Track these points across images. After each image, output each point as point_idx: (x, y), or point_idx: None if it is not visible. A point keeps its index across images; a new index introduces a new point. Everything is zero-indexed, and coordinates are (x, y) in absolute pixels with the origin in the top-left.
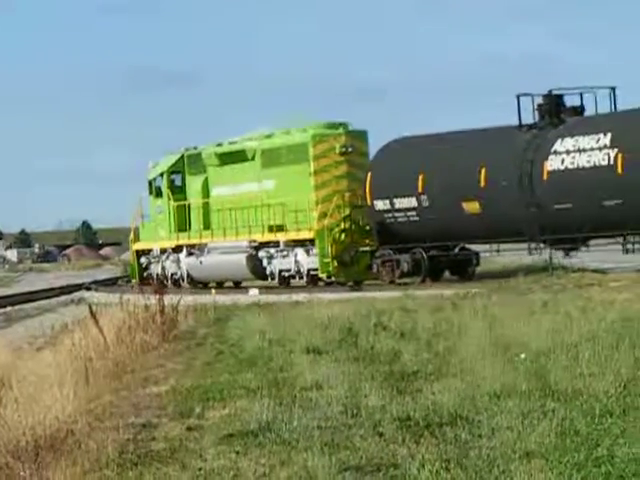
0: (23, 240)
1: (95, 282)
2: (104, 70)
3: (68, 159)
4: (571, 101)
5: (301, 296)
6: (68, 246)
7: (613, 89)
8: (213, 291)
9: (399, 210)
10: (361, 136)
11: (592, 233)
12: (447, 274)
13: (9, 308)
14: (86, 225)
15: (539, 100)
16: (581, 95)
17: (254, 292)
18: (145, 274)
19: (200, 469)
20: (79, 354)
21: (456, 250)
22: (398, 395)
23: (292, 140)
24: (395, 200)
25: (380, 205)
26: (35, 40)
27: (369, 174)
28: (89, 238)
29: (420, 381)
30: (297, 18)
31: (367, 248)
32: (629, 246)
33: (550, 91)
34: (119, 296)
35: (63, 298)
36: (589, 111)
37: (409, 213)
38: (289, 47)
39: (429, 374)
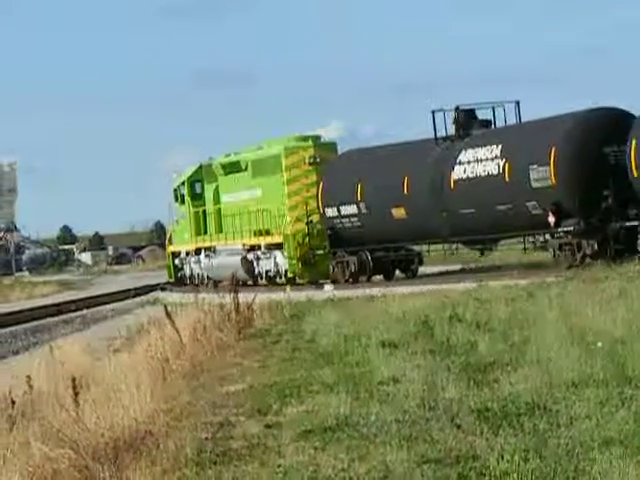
0: (97, 243)
1: (169, 282)
2: (167, 72)
3: (138, 160)
4: (484, 114)
5: (375, 291)
6: (142, 247)
7: (517, 103)
8: (288, 288)
9: (344, 217)
10: (330, 147)
11: (492, 235)
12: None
13: (86, 311)
14: (159, 226)
15: (454, 114)
16: (493, 109)
17: (329, 288)
18: (179, 274)
19: (279, 466)
20: (155, 354)
21: (402, 251)
22: (475, 386)
23: (270, 152)
24: (341, 207)
25: (330, 212)
26: (94, 43)
27: (321, 184)
28: (162, 239)
29: (497, 372)
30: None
31: (321, 251)
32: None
33: (457, 107)
34: (194, 295)
35: (138, 299)
36: (500, 123)
37: (352, 219)
38: (344, 44)
39: (506, 364)
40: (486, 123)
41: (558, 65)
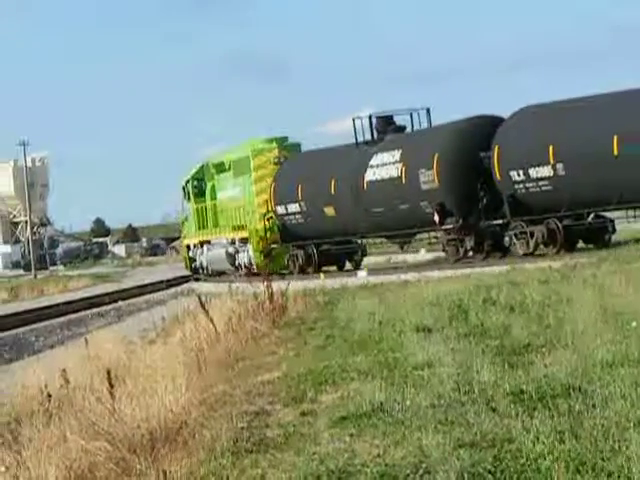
0: (130, 235)
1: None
2: (200, 60)
3: (172, 151)
4: (403, 120)
5: (409, 275)
6: (175, 238)
7: (428, 109)
8: (322, 275)
9: (291, 214)
10: (294, 148)
11: (399, 231)
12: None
13: (120, 303)
14: None
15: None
16: (411, 115)
17: (362, 274)
18: (193, 265)
19: (314, 453)
20: (190, 345)
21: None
22: (510, 369)
23: (243, 153)
24: (288, 206)
25: (280, 210)
26: (125, 33)
27: (273, 184)
28: None
29: (531, 354)
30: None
31: (275, 245)
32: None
33: (370, 115)
34: (227, 285)
35: (172, 290)
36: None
37: (297, 216)
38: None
39: (540, 347)
40: (400, 129)
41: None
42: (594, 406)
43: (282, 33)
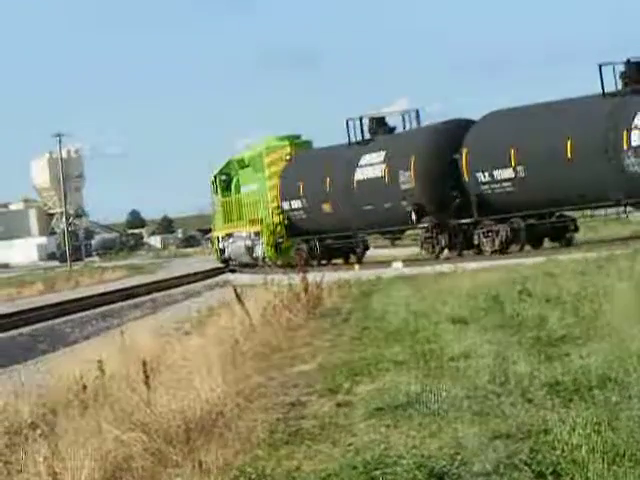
0: (166, 226)
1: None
2: (233, 53)
3: (207, 142)
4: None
5: (445, 267)
6: (211, 229)
7: (417, 111)
8: (356, 266)
9: (294, 210)
10: (305, 145)
11: (387, 228)
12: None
13: (156, 294)
14: None
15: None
16: (402, 116)
17: (398, 265)
18: (223, 257)
19: (350, 444)
20: (226, 337)
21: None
22: (546, 361)
23: (258, 151)
24: (292, 202)
25: (285, 205)
26: (161, 30)
27: (279, 181)
28: None
29: (567, 345)
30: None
31: (281, 239)
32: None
33: (361, 117)
34: (263, 277)
35: (208, 281)
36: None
37: (299, 212)
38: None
39: (576, 338)
40: (391, 130)
41: None
42: (630, 397)
43: (313, 25)
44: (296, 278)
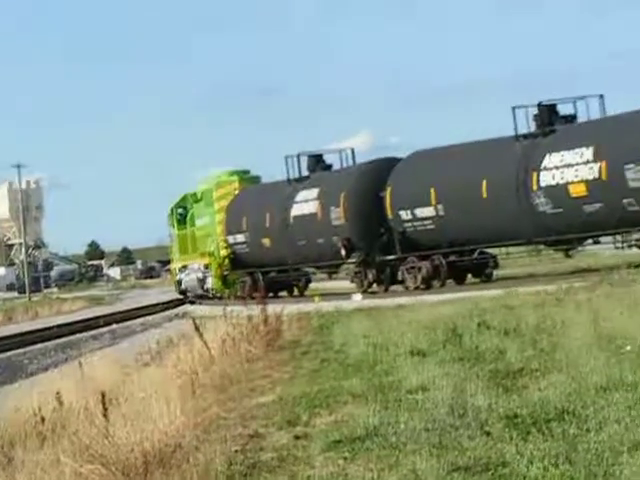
0: (125, 257)
1: (196, 296)
2: (192, 85)
3: (165, 174)
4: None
5: (404, 299)
6: (170, 261)
7: (352, 150)
8: (316, 299)
9: (238, 243)
10: (254, 180)
11: (319, 263)
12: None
13: (115, 325)
14: None
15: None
16: (340, 153)
17: (357, 298)
18: (180, 288)
19: (308, 477)
20: (185, 368)
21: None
22: (504, 393)
23: (209, 185)
24: (236, 236)
25: (230, 239)
26: (120, 56)
27: (225, 216)
28: None
29: (526, 378)
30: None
31: (226, 272)
32: None
33: (299, 154)
34: (222, 308)
35: (167, 313)
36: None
37: (242, 246)
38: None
39: (534, 370)
40: (327, 167)
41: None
42: (588, 430)
43: (277, 59)
44: (256, 310)
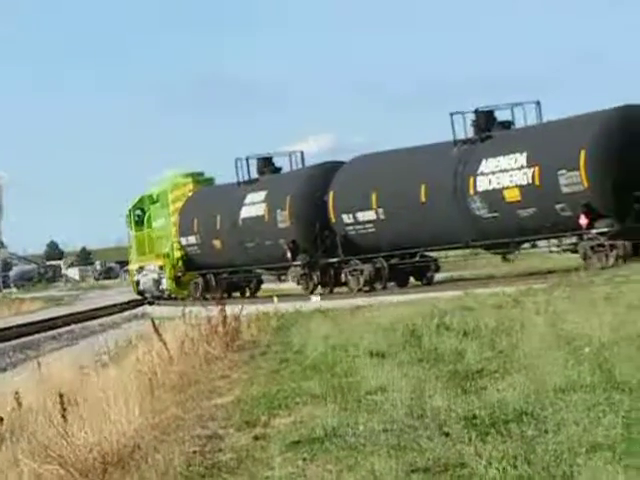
0: (84, 258)
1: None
2: (159, 87)
3: (125, 175)
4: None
5: (362, 300)
6: (128, 262)
7: (302, 152)
8: (275, 299)
9: (190, 245)
10: (208, 182)
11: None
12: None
13: (74, 326)
14: None
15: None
16: (290, 156)
17: (316, 299)
18: (138, 289)
19: (267, 478)
20: (143, 369)
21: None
22: (463, 394)
23: (164, 187)
24: (188, 238)
25: (183, 241)
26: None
27: (178, 218)
28: None
29: (484, 379)
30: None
31: (180, 274)
32: None
33: (247, 157)
34: (181, 309)
35: (126, 314)
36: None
37: (194, 248)
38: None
39: (493, 372)
40: (277, 170)
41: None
42: (546, 431)
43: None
44: (214, 310)
